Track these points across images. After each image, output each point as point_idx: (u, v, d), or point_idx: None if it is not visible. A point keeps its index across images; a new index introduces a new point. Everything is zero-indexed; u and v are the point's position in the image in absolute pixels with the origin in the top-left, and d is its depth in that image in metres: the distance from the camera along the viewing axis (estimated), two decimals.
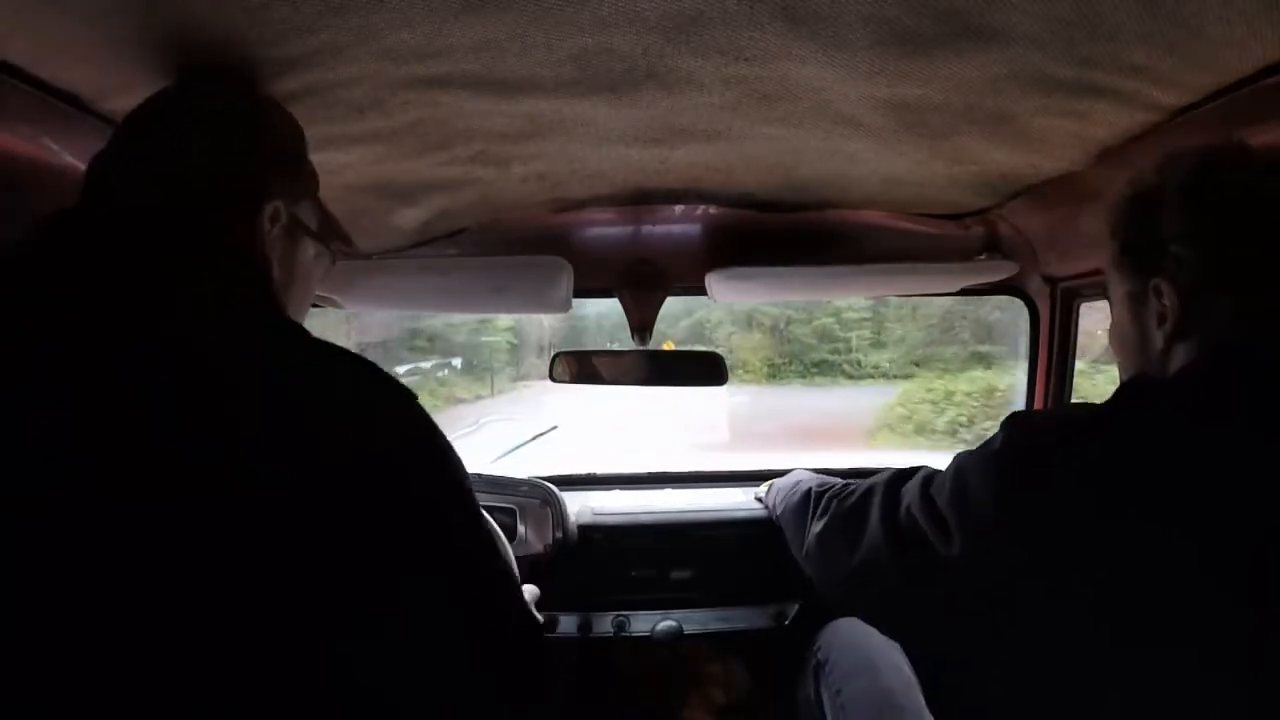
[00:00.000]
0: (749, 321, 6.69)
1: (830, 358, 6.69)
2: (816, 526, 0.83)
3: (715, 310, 5.98)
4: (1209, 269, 0.57)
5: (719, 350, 1.34)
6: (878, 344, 6.61)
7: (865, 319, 6.55)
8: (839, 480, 0.98)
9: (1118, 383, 0.62)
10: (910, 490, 0.66)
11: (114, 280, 0.49)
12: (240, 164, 0.56)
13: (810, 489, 0.93)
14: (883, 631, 0.71)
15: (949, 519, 0.60)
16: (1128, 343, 0.65)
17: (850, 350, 6.62)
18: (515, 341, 6.50)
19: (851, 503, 0.77)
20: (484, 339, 6.36)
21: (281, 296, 0.58)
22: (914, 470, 0.69)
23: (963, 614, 0.59)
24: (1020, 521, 0.54)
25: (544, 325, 5.71)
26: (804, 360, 6.74)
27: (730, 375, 1.28)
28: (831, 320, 6.65)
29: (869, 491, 0.74)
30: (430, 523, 0.52)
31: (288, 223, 0.58)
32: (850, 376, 6.60)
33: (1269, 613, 0.46)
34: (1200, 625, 0.47)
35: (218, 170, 0.54)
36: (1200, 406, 0.53)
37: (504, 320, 5.98)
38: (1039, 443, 0.57)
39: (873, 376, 6.46)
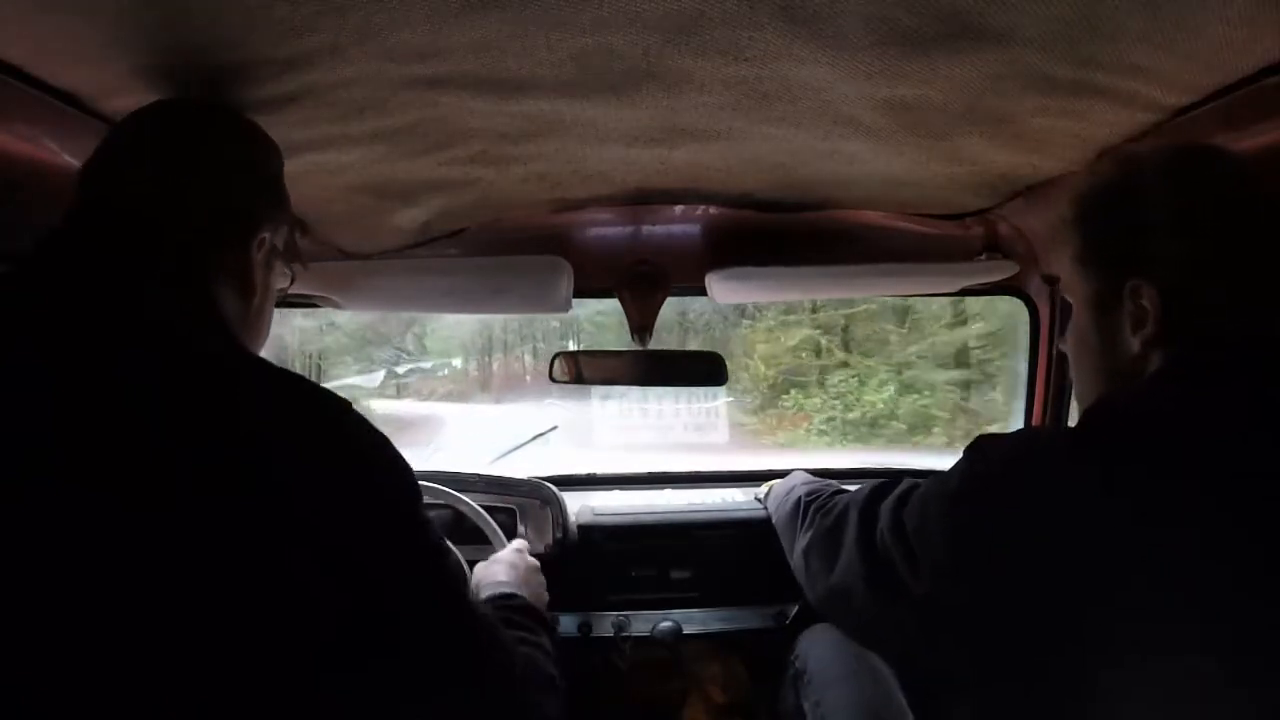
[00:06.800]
0: None
1: None
2: (801, 541, 0.82)
3: None
4: (1197, 264, 0.52)
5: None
6: None
7: None
8: (829, 486, 0.97)
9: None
10: (885, 513, 0.63)
11: (108, 290, 0.50)
12: (240, 198, 0.58)
13: (800, 498, 0.91)
14: (865, 646, 0.70)
15: (917, 552, 0.57)
16: (1091, 349, 0.60)
17: None
18: None
19: (830, 521, 0.74)
20: None
21: (255, 319, 0.61)
22: (894, 484, 0.66)
23: (943, 640, 0.56)
24: (984, 556, 0.51)
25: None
26: None
27: None
28: None
29: (846, 510, 0.71)
30: (405, 521, 0.54)
31: (269, 250, 0.60)
32: None
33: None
34: (1204, 634, 0.44)
35: (219, 204, 0.56)
36: (1191, 410, 0.49)
37: None
38: (999, 471, 0.54)
39: None
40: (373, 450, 0.52)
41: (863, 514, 0.66)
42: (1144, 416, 0.51)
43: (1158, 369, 0.54)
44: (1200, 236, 0.53)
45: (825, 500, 0.85)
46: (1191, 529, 0.45)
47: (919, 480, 0.63)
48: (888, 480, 0.68)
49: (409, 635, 0.52)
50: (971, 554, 0.53)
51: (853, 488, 0.81)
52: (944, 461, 0.63)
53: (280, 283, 0.65)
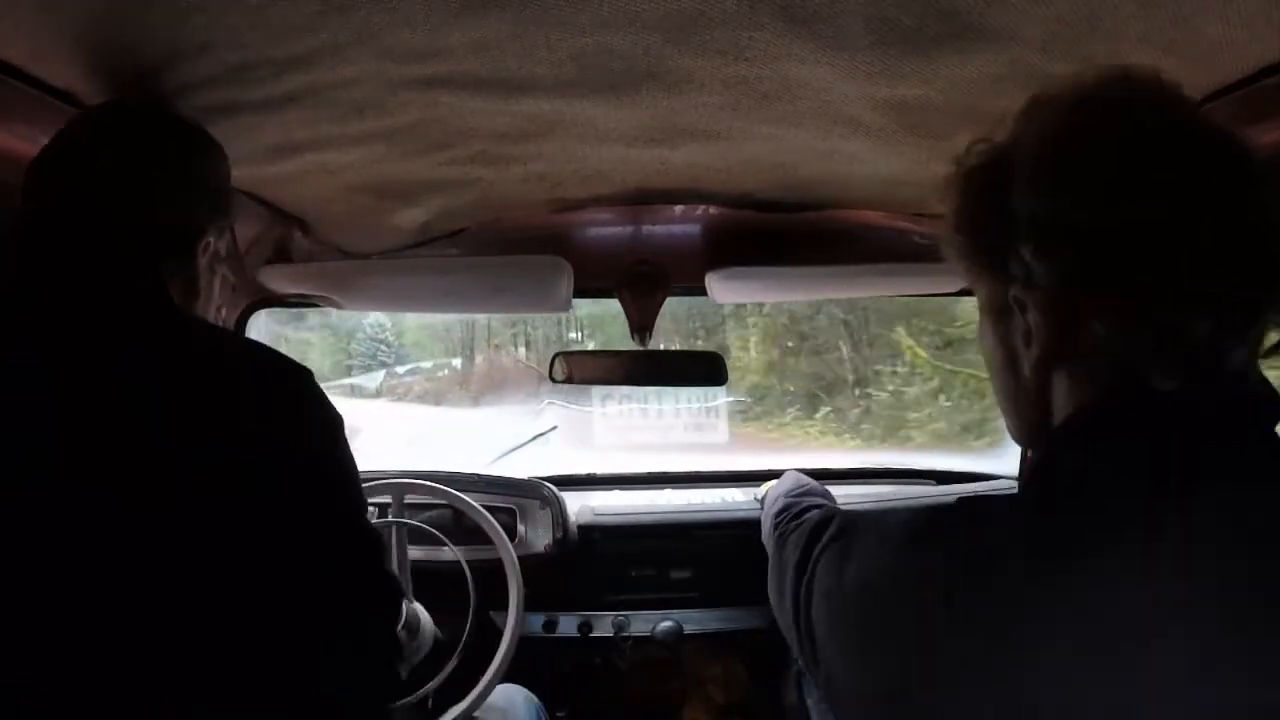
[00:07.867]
0: None
1: None
2: (768, 566, 0.74)
3: None
4: (1075, 266, 0.39)
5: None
6: None
7: None
8: (803, 499, 0.92)
9: None
10: (811, 562, 0.55)
11: (104, 290, 0.51)
12: (188, 204, 0.60)
13: (772, 515, 0.87)
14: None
15: (817, 637, 0.50)
16: (994, 366, 0.48)
17: None
18: None
19: (780, 558, 0.66)
20: None
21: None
22: (831, 518, 0.60)
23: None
24: (877, 644, 0.43)
25: None
26: None
27: None
28: None
29: (789, 550, 0.63)
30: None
31: (213, 254, 0.63)
32: None
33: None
34: None
35: (171, 208, 0.58)
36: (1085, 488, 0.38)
37: None
38: (868, 552, 0.48)
39: None
40: (337, 432, 0.56)
41: (799, 563, 0.58)
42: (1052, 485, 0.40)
43: (1070, 414, 0.42)
44: (1079, 229, 0.39)
45: (785, 527, 0.79)
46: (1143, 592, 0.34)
47: (847, 526, 0.56)
48: (828, 518, 0.62)
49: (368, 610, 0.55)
50: (866, 643, 0.45)
51: (844, 490, 0.77)
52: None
53: (222, 285, 0.68)
